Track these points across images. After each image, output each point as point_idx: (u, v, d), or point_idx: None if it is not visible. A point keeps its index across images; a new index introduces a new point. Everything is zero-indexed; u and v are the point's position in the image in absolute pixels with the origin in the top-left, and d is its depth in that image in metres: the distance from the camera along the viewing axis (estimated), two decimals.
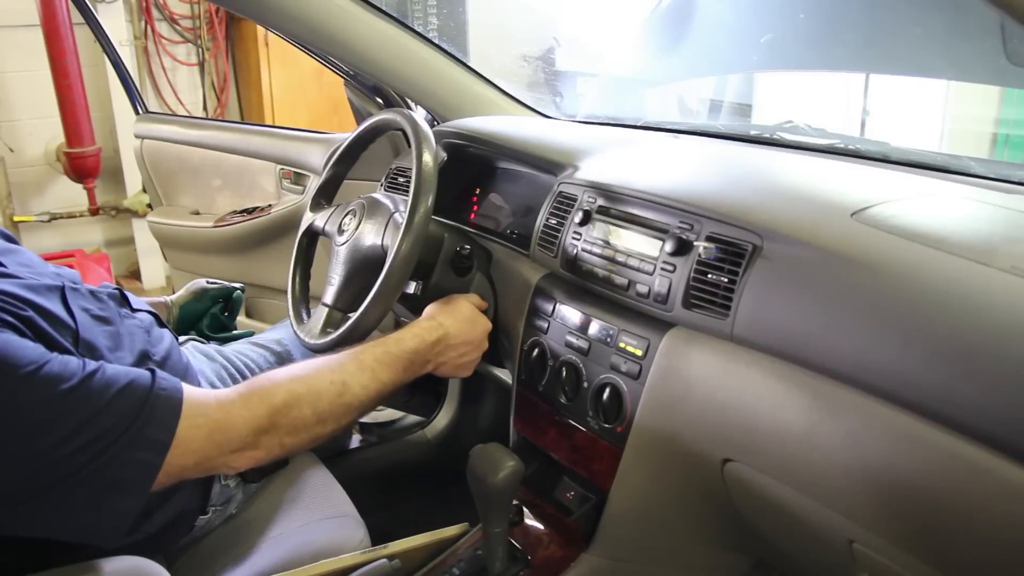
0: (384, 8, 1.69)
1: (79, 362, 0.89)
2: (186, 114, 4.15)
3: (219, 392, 1.01)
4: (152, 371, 0.95)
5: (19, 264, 1.05)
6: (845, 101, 2.26)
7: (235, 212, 2.35)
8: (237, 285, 1.63)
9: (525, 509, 1.26)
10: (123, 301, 1.20)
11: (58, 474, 0.85)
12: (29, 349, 0.87)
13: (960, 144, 2.36)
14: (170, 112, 4.09)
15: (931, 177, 1.21)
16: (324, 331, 1.28)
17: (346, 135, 1.47)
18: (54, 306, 0.99)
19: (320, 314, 1.31)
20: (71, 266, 3.45)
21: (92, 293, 1.12)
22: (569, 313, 1.21)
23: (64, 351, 0.92)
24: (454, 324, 1.26)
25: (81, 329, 1.00)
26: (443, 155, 1.57)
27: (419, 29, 1.75)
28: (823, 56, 1.85)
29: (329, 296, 1.31)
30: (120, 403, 0.89)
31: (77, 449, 0.85)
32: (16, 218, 3.90)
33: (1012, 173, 1.19)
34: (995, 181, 1.16)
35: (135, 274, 4.20)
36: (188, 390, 0.97)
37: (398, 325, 1.99)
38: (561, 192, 1.30)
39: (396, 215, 1.27)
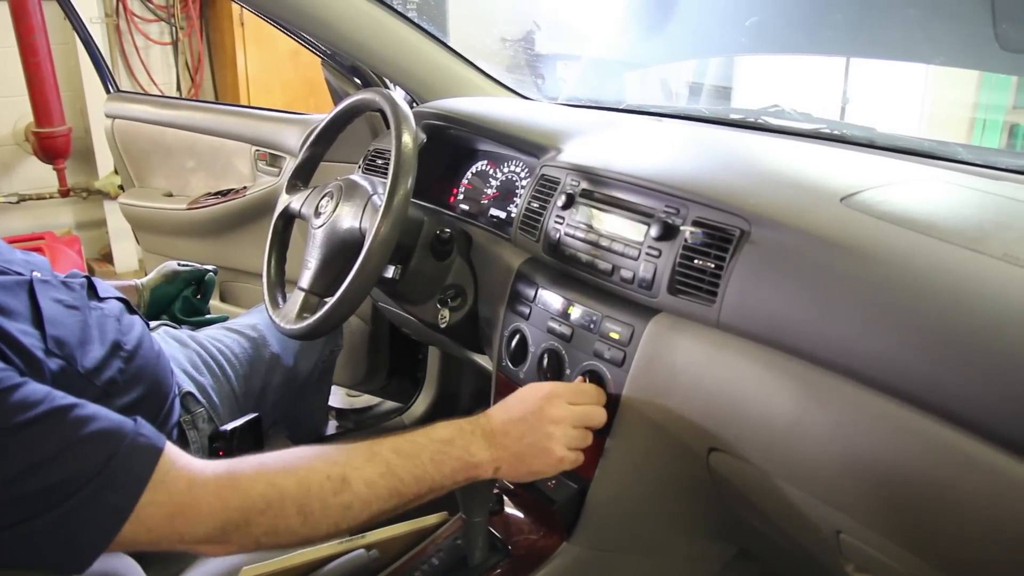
0: None
1: (44, 392, 0.77)
2: (159, 94, 4.08)
3: (196, 466, 0.82)
4: (134, 419, 0.81)
5: None
6: (825, 84, 2.25)
7: (209, 194, 2.31)
8: (210, 267, 1.59)
9: (505, 498, 1.24)
10: (91, 290, 1.16)
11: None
12: None
13: (939, 128, 2.37)
14: (142, 92, 4.01)
15: (918, 163, 1.20)
16: (300, 316, 1.26)
17: (323, 116, 1.44)
18: (19, 303, 0.95)
19: (296, 299, 1.28)
20: (40, 249, 3.40)
21: (63, 283, 1.08)
22: (551, 299, 1.19)
23: (27, 357, 0.88)
24: (500, 404, 1.03)
25: (49, 325, 0.96)
26: (423, 136, 1.55)
27: (398, 8, 1.71)
28: (810, 40, 1.84)
29: (305, 280, 1.29)
30: (83, 452, 0.76)
31: (18, 497, 0.73)
32: None
33: (999, 159, 1.19)
34: (982, 167, 1.15)
35: (107, 257, 4.13)
36: (166, 451, 0.81)
37: (375, 310, 1.98)
38: (544, 175, 1.27)
39: (374, 197, 1.24)
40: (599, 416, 1.05)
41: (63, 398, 0.78)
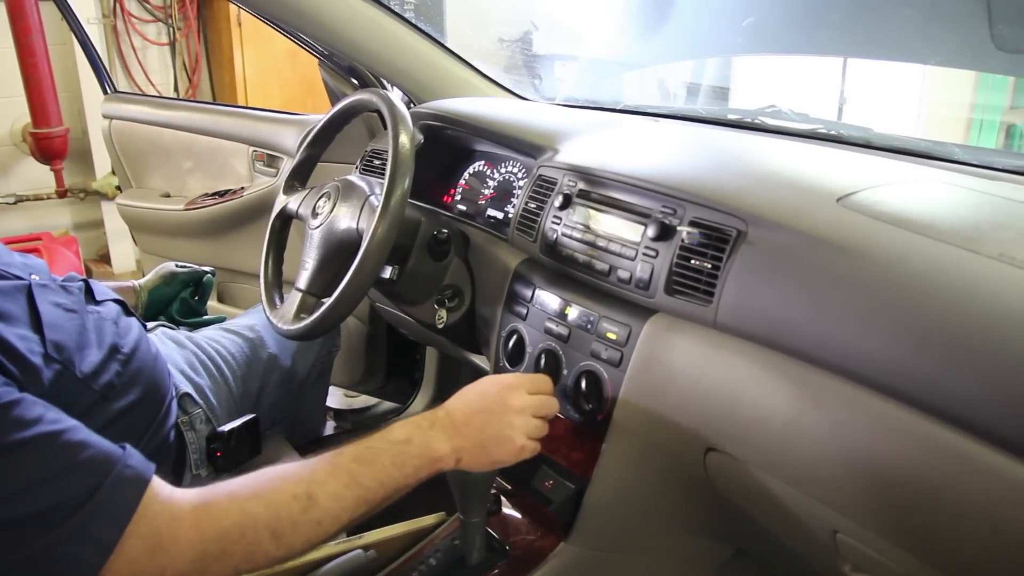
0: None
1: (39, 412, 0.76)
2: (156, 95, 4.07)
3: (176, 497, 0.82)
4: (122, 447, 0.80)
5: None
6: (822, 85, 2.26)
7: (207, 195, 2.30)
8: (207, 269, 1.59)
9: (503, 498, 1.24)
10: (88, 293, 1.16)
11: None
12: None
13: (936, 128, 2.37)
14: (140, 92, 4.01)
15: (914, 163, 1.20)
16: (298, 316, 1.25)
17: (320, 116, 1.43)
18: (18, 307, 0.94)
19: (293, 299, 1.28)
20: (37, 250, 3.39)
21: (62, 286, 1.08)
22: (548, 299, 1.19)
23: (25, 364, 0.87)
24: (457, 397, 1.04)
25: (48, 329, 0.96)
26: (420, 137, 1.55)
27: (395, 8, 1.71)
28: (807, 40, 1.84)
29: (303, 281, 1.28)
30: (71, 479, 0.75)
31: (3, 524, 0.71)
32: None
33: (995, 160, 1.19)
34: (979, 168, 1.16)
35: (104, 258, 4.12)
36: (152, 483, 0.80)
37: (373, 311, 1.98)
38: (541, 175, 1.27)
39: (372, 198, 1.24)
40: (553, 406, 1.07)
41: (55, 422, 0.77)
